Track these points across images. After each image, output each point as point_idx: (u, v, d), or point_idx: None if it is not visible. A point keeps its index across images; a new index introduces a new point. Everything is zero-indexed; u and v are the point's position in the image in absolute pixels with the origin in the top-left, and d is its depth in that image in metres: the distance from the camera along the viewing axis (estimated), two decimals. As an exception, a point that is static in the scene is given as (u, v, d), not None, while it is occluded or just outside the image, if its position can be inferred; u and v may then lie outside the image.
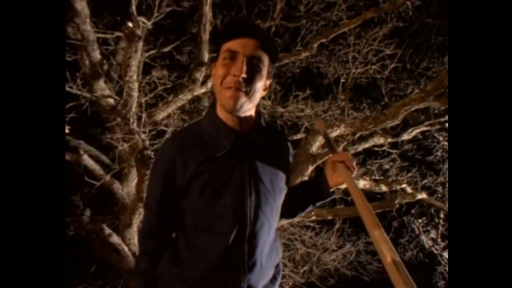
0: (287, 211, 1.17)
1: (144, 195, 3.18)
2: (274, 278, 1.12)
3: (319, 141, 3.46)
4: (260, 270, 1.03)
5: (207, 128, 1.01)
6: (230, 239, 0.95)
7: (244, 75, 0.90)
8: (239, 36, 0.92)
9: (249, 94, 0.93)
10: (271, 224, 1.05)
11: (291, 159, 1.16)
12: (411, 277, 0.63)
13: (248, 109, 0.97)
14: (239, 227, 0.96)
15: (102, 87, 3.66)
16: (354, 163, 1.05)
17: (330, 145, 1.22)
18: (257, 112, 1.06)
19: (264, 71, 0.95)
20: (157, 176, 1.00)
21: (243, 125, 1.01)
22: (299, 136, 5.10)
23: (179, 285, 1.01)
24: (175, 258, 1.03)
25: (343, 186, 1.14)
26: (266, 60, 0.95)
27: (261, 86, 0.96)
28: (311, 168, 3.35)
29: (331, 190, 1.13)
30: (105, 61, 3.91)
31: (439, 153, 5.10)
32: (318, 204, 1.20)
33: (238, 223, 0.96)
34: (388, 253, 0.68)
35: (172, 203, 1.00)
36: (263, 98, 4.77)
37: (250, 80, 0.91)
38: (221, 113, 1.00)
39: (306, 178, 3.36)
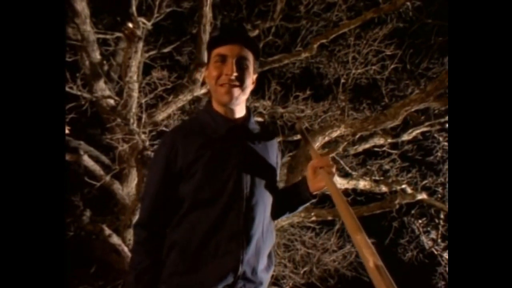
0: None
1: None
2: (268, 266, 1.14)
3: (319, 141, 3.46)
4: (257, 245, 1.07)
5: (204, 119, 1.15)
6: (227, 210, 1.03)
7: (235, 74, 1.06)
8: (227, 43, 1.09)
9: (241, 88, 1.09)
10: (266, 204, 1.12)
11: (279, 152, 1.27)
12: (393, 282, 0.63)
13: (242, 101, 1.13)
14: (236, 199, 1.05)
15: (102, 87, 3.66)
16: (334, 169, 1.11)
17: (311, 148, 1.24)
18: (248, 109, 1.21)
19: (251, 68, 1.12)
20: (159, 160, 1.10)
21: (236, 118, 1.15)
22: (299, 136, 5.09)
23: (181, 264, 1.03)
24: (172, 243, 1.06)
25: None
26: (251, 58, 1.12)
27: (250, 80, 1.12)
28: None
29: (314, 194, 1.18)
30: (105, 62, 3.91)
31: (439, 154, 5.09)
32: (300, 208, 1.26)
33: (235, 196, 1.05)
34: (370, 258, 0.68)
35: (171, 187, 1.07)
36: (262, 98, 4.79)
37: (240, 77, 1.08)
38: (217, 107, 1.14)
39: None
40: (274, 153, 1.22)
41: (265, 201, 1.11)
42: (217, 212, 1.03)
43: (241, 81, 1.08)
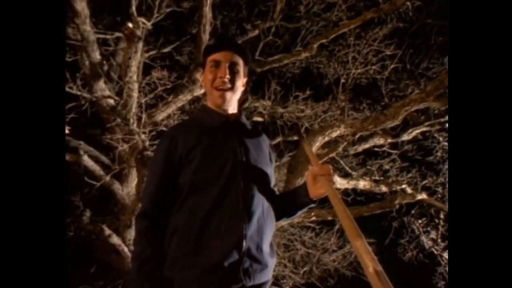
0: None
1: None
2: (272, 252, 1.16)
3: (319, 141, 3.46)
4: (258, 223, 1.11)
5: (201, 116, 1.28)
6: (226, 191, 1.09)
7: (228, 77, 1.20)
8: (220, 50, 1.24)
9: (233, 89, 1.22)
10: (263, 188, 1.17)
11: (272, 151, 1.35)
12: (393, 287, 0.64)
13: (234, 101, 1.26)
14: (234, 181, 1.11)
15: (102, 87, 3.66)
16: (333, 177, 1.17)
17: (311, 155, 1.27)
18: (239, 109, 1.33)
19: (241, 72, 1.26)
20: (160, 152, 1.18)
21: (230, 114, 1.27)
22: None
23: (183, 248, 1.05)
24: (173, 231, 1.09)
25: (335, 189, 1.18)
26: (241, 63, 1.26)
27: (240, 83, 1.26)
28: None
29: (314, 200, 1.21)
30: (105, 62, 3.91)
31: (439, 154, 5.09)
32: (299, 213, 1.30)
33: (232, 178, 1.11)
34: (370, 263, 0.69)
35: (172, 177, 1.13)
36: (262, 98, 4.79)
37: (232, 79, 1.21)
38: (212, 105, 1.27)
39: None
40: (266, 148, 1.30)
41: (262, 186, 1.17)
42: (216, 193, 1.08)
43: (233, 83, 1.22)
